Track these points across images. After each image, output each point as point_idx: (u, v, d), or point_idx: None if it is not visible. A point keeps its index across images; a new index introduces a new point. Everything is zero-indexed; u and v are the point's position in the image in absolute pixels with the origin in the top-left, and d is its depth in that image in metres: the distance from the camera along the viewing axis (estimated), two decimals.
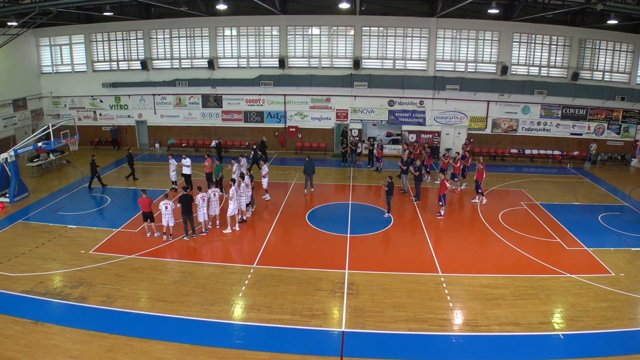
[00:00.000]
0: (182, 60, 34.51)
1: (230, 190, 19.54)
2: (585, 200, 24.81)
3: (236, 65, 34.12)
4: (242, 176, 20.98)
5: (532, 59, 32.22)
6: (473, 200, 24.28)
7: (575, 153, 33.38)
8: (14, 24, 27.17)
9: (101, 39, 34.92)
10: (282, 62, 33.04)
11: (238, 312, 14.07)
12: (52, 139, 24.97)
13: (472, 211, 23.23)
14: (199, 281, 15.77)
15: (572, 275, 16.32)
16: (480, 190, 23.91)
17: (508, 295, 14.98)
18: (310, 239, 19.56)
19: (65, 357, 11.83)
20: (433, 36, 31.92)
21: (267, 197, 24.10)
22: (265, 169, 23.96)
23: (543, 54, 32.10)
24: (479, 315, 13.87)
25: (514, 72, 32.31)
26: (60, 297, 14.72)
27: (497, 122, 33.47)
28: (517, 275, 16.33)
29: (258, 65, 33.87)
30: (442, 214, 22.12)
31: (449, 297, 14.87)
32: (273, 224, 21.07)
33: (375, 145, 30.44)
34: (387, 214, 22.06)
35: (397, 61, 32.84)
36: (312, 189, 25.69)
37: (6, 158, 23.53)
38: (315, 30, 32.93)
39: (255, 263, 17.16)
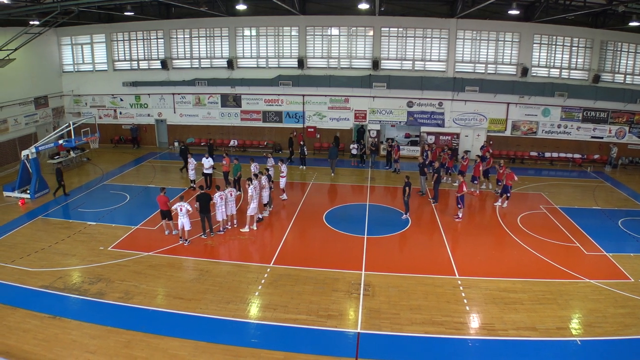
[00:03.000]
0: (201, 60, 34.74)
1: (249, 189, 19.60)
2: (605, 205, 24.42)
3: (255, 65, 34.24)
4: (255, 175, 21.03)
5: (552, 61, 31.77)
6: (495, 204, 24.08)
7: (596, 156, 32.85)
8: (36, 23, 27.55)
9: (122, 39, 35.34)
10: (301, 63, 33.07)
11: (254, 311, 14.12)
12: (72, 137, 25.32)
13: (491, 214, 23.02)
14: (215, 279, 15.86)
15: (591, 281, 16.07)
16: (508, 195, 23.58)
17: (526, 300, 14.80)
18: (327, 240, 19.53)
19: (83, 352, 11.99)
20: (453, 37, 31.68)
21: (284, 196, 24.18)
22: (283, 168, 24.06)
23: (564, 56, 31.64)
24: (495, 320, 13.72)
25: (534, 74, 31.91)
26: (78, 292, 14.92)
27: (517, 125, 33.10)
28: (535, 279, 16.13)
29: (277, 66, 33.96)
30: (460, 216, 21.96)
31: (465, 301, 14.74)
32: (290, 224, 21.12)
33: (393, 147, 30.34)
34: (405, 215, 21.97)
35: (416, 62, 32.67)
36: (332, 173, 29.12)
37: (27, 155, 23.95)
38: (335, 31, 32.87)
39: (272, 262, 17.21)
